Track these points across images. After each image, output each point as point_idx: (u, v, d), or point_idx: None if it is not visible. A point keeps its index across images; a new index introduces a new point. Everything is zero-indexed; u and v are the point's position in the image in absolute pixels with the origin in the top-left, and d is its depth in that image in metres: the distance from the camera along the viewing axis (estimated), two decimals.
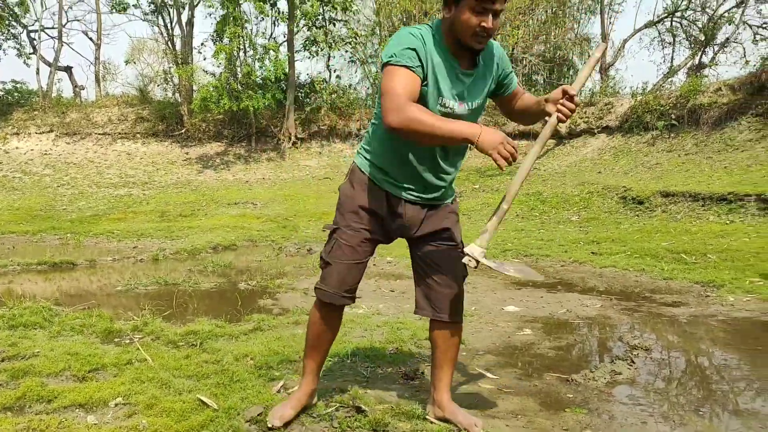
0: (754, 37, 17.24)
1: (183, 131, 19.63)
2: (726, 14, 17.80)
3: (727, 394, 2.70)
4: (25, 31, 22.61)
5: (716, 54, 18.57)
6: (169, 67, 21.07)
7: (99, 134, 19.88)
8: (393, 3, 20.43)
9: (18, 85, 22.20)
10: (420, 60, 1.99)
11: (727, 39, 18.12)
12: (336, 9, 19.17)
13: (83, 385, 2.53)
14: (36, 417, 2.19)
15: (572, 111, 2.08)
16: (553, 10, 19.15)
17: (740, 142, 12.61)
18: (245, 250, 8.56)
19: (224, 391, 2.45)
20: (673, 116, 14.57)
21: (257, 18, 19.61)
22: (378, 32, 21.92)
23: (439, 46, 2.05)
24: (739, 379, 2.90)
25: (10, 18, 21.43)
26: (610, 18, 20.80)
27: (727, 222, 8.35)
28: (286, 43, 19.49)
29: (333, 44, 19.63)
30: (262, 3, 18.09)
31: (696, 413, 2.45)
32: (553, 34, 19.61)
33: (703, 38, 18.33)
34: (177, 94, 20.67)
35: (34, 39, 22.77)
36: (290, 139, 19.15)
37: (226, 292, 5.35)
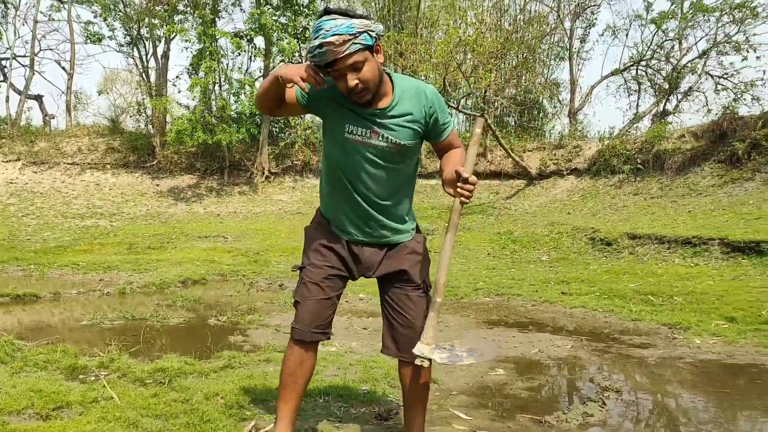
0: (716, 87, 17.97)
1: (155, 163, 19.46)
2: (689, 64, 18.55)
3: None
4: None
5: (680, 102, 19.27)
6: (143, 99, 20.98)
7: (68, 164, 19.57)
8: None
9: None
10: (322, 89, 2.15)
11: (690, 88, 18.84)
12: None
13: (47, 424, 2.45)
14: None
15: (471, 192, 2.13)
16: (524, 55, 19.72)
17: (703, 187, 13.02)
18: (215, 285, 8.44)
19: (195, 431, 2.40)
20: (638, 160, 15.00)
21: (233, 53, 19.79)
22: None
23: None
24: (707, 422, 2.95)
25: None
26: (578, 64, 21.52)
27: (692, 265, 8.55)
28: (261, 78, 19.64)
29: None
30: (238, 39, 18.26)
31: None
32: (524, 78, 20.16)
33: (667, 87, 19.03)
34: (150, 126, 20.55)
35: (5, 67, 22.53)
36: (263, 173, 19.12)
37: (196, 327, 5.26)
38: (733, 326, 5.06)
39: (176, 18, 18.90)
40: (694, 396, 3.36)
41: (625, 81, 20.87)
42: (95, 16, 19.63)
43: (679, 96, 19.07)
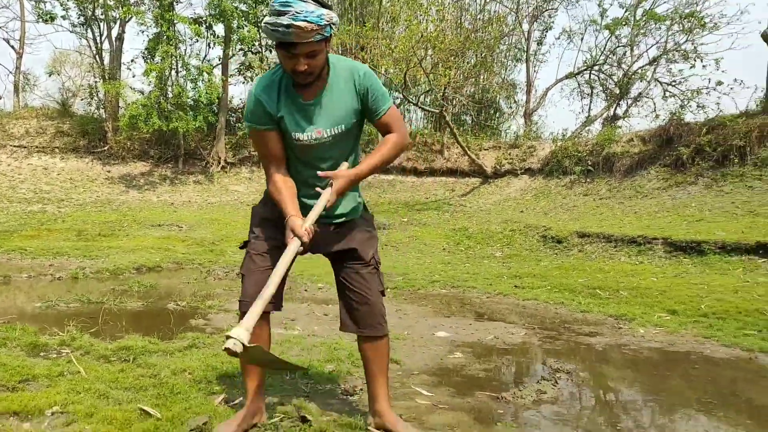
0: (664, 94, 18.71)
1: (106, 148, 18.96)
2: (639, 71, 19.26)
3: (638, 411, 2.94)
4: None
5: (629, 107, 19.99)
6: (95, 82, 20.39)
7: (14, 146, 18.87)
8: None
9: None
10: (265, 111, 2.24)
11: (640, 94, 19.57)
12: None
13: (15, 395, 2.46)
14: None
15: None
16: (483, 54, 20.07)
17: (649, 189, 13.58)
18: (171, 273, 8.36)
19: (166, 402, 2.45)
20: (589, 162, 15.50)
21: (192, 39, 19.43)
22: None
23: (285, 82, 2.26)
24: (648, 399, 3.16)
25: None
26: (534, 66, 22.04)
27: (637, 263, 8.95)
28: (220, 66, 19.38)
29: (268, 70, 19.68)
30: (197, 25, 17.97)
31: (613, 427, 2.66)
32: (482, 77, 20.52)
33: (618, 92, 19.70)
34: (102, 110, 20.00)
35: None
36: (219, 163, 18.89)
37: (155, 311, 5.24)
38: (674, 318, 5.36)
39: (132, 0, 18.46)
40: (637, 377, 3.58)
41: (579, 85, 21.51)
42: None
43: (629, 101, 19.79)
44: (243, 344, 1.89)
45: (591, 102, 21.41)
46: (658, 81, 18.83)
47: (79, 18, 19.16)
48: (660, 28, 18.43)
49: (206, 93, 17.85)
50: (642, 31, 18.82)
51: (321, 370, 3.23)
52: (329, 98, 2.27)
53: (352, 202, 2.44)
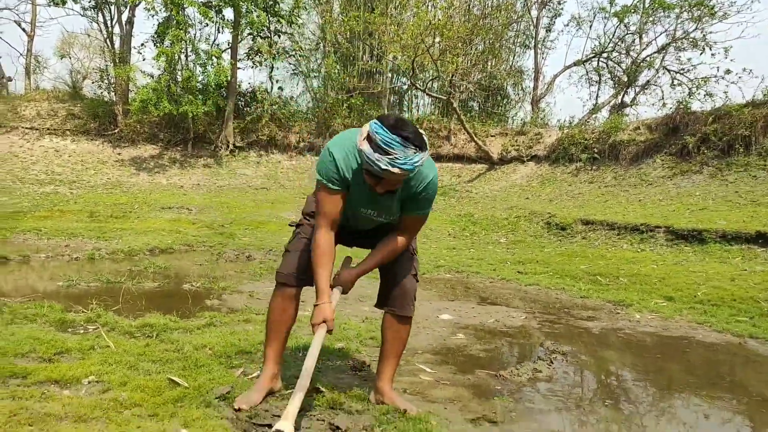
0: (672, 82, 18.74)
1: (116, 131, 19.18)
2: (648, 58, 19.27)
3: (628, 390, 3.15)
4: None
5: (637, 95, 20.03)
6: (106, 65, 20.56)
7: (26, 128, 19.11)
8: (337, 20, 20.88)
9: None
10: (340, 177, 2.37)
11: (648, 82, 19.59)
12: (282, 22, 19.39)
13: (53, 365, 2.68)
14: (18, 388, 2.35)
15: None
16: (491, 41, 20.10)
17: (654, 178, 13.70)
18: (183, 255, 8.59)
19: (191, 373, 2.67)
20: (595, 150, 15.61)
21: (201, 23, 19.55)
22: (322, 48, 22.26)
23: (360, 163, 2.35)
24: (638, 379, 3.37)
25: None
26: (542, 53, 22.05)
27: (639, 250, 9.12)
28: (229, 51, 19.50)
29: (277, 56, 19.79)
30: (207, 9, 18.07)
31: (602, 403, 2.87)
32: (489, 64, 20.56)
33: (626, 79, 19.73)
34: (112, 93, 20.19)
35: None
36: (228, 146, 19.09)
37: (172, 291, 5.47)
38: (670, 304, 5.56)
39: None
40: (630, 359, 3.79)
41: (587, 72, 21.52)
42: None
43: (637, 89, 19.82)
44: None
45: (599, 89, 21.52)
46: (667, 69, 18.85)
47: (90, 1, 19.29)
48: (669, 15, 18.41)
49: (215, 77, 17.99)
50: (651, 18, 18.80)
51: (331, 348, 3.44)
52: (396, 197, 2.43)
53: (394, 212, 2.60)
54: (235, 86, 19.45)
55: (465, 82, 18.56)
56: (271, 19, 19.03)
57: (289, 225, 2.74)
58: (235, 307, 4.72)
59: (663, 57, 18.89)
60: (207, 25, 19.40)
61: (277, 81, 21.17)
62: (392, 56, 18.17)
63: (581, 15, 22.01)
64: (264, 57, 19.61)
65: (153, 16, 18.30)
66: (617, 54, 20.30)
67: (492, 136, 18.55)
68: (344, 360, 3.27)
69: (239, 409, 2.37)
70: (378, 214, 2.49)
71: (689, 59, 18.40)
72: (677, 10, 18.08)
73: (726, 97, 15.71)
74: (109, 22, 19.59)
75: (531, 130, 18.20)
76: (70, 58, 26.06)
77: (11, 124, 19.05)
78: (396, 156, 2.13)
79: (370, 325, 4.16)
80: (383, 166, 2.14)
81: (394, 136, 2.14)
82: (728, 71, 16.50)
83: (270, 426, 2.26)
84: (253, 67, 20.14)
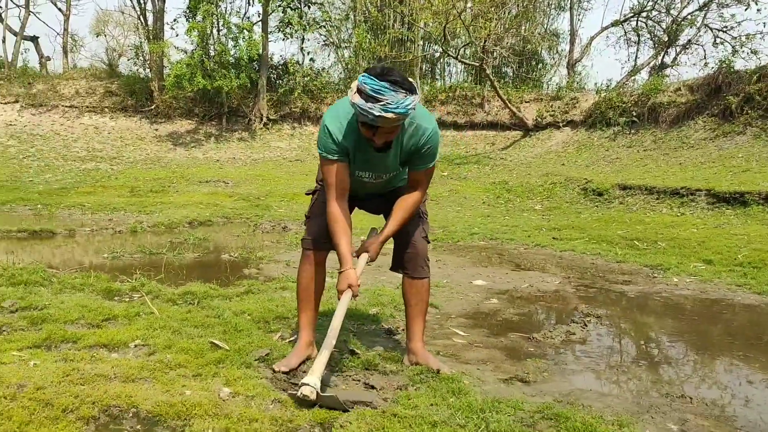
0: (714, 40, 18.05)
1: (153, 107, 19.51)
2: (689, 17, 18.56)
3: (664, 351, 3.15)
4: None
5: (678, 55, 19.37)
6: (141, 42, 20.84)
7: (66, 107, 19.59)
8: None
9: None
10: (338, 146, 2.43)
11: (689, 41, 18.91)
12: None
13: (101, 331, 2.82)
14: (69, 352, 2.48)
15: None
16: (524, 4, 19.62)
17: (695, 140, 13.32)
18: (221, 227, 8.78)
19: (231, 337, 2.77)
20: (634, 113, 15.22)
21: None
22: (352, 17, 22.09)
23: (356, 127, 2.40)
24: (675, 341, 3.35)
25: None
26: (578, 15, 21.43)
27: (678, 214, 8.94)
28: (260, 24, 19.51)
29: (307, 27, 19.72)
30: None
31: (637, 364, 2.88)
32: (523, 28, 20.10)
33: (666, 39, 19.07)
34: (147, 70, 20.48)
35: (0, 7, 22.21)
36: (262, 119, 19.23)
37: (211, 262, 5.63)
38: (709, 268, 5.46)
39: None
40: (664, 322, 3.77)
41: (625, 32, 20.87)
42: None
43: (678, 49, 19.16)
44: (317, 392, 2.11)
45: (638, 50, 20.90)
46: (709, 27, 18.14)
47: None
48: None
49: (247, 50, 18.06)
50: None
51: (366, 313, 3.52)
52: (394, 151, 2.48)
53: (403, 177, 2.68)
54: (267, 59, 19.50)
55: (498, 47, 18.21)
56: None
57: (306, 194, 2.81)
58: (271, 275, 4.83)
59: (705, 14, 18.17)
60: None
61: (308, 53, 21.16)
62: (423, 23, 17.91)
63: None
64: (295, 28, 19.57)
65: None
66: (657, 13, 19.60)
67: (526, 102, 18.24)
68: (378, 324, 3.34)
69: (279, 371, 2.46)
70: (377, 176, 2.57)
71: (733, 15, 17.64)
72: None
73: None
74: None
75: (567, 94, 17.81)
76: (105, 36, 26.50)
77: (52, 102, 19.55)
78: (387, 101, 2.18)
79: None
80: (377, 113, 2.19)
81: (383, 83, 2.19)
82: None
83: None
84: (284, 39, 20.14)
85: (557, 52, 22.01)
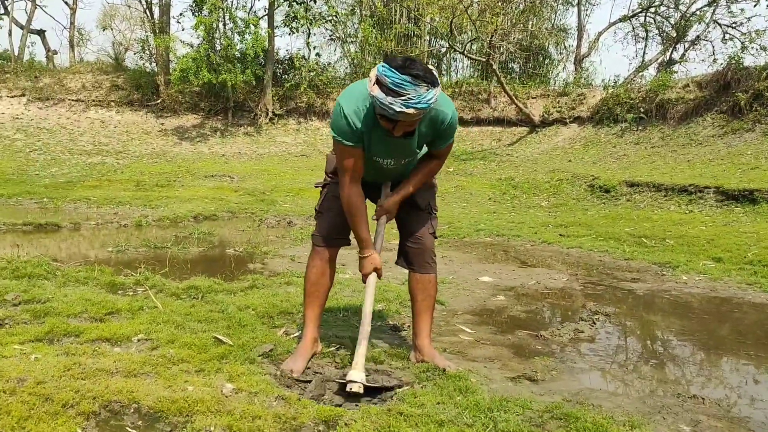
0: (723, 36, 17.89)
1: (159, 101, 19.50)
2: (698, 12, 18.40)
3: (673, 350, 3.10)
4: None
5: (686, 51, 19.21)
6: (147, 36, 20.81)
7: (72, 100, 19.60)
8: None
9: None
10: (354, 132, 2.34)
11: (698, 37, 18.76)
12: None
13: (104, 324, 2.79)
14: (71, 346, 2.45)
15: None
16: None
17: (704, 137, 13.21)
18: (226, 221, 8.76)
19: (235, 332, 2.74)
20: (642, 110, 15.11)
21: None
22: (358, 12, 22.00)
23: (373, 111, 2.30)
24: (684, 340, 3.30)
25: None
26: (586, 10, 21.29)
27: (687, 212, 8.87)
28: (266, 18, 19.46)
29: (313, 21, 19.66)
30: None
31: (645, 363, 2.83)
32: (530, 23, 19.98)
33: (674, 35, 18.91)
34: (154, 64, 20.47)
35: (6, 0, 22.23)
36: (267, 114, 19.20)
37: (216, 256, 5.60)
38: (719, 266, 5.40)
39: None
40: (673, 320, 3.71)
41: (633, 28, 20.72)
42: None
43: (686, 45, 19.00)
44: (364, 386, 2.18)
45: (646, 46, 20.73)
46: (718, 23, 17.98)
47: None
48: None
49: (253, 45, 18.00)
50: None
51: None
52: (413, 137, 2.40)
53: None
54: (273, 54, 19.45)
55: (505, 42, 18.11)
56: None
57: (315, 186, 2.75)
58: (276, 270, 4.80)
59: (714, 10, 18.01)
60: None
61: (314, 47, 21.09)
62: (429, 18, 17.81)
63: None
64: (301, 23, 19.50)
65: None
66: (665, 8, 19.44)
67: (533, 98, 18.14)
68: (384, 320, 3.30)
69: (287, 374, 2.40)
70: (396, 162, 2.50)
71: (742, 10, 17.54)
72: None
73: None
74: None
75: (574, 90, 17.71)
76: (111, 30, 26.48)
77: (58, 96, 19.56)
78: (409, 96, 2.08)
79: None
80: (398, 109, 2.10)
81: (405, 77, 2.09)
82: None
83: (309, 381, 2.31)
84: (290, 33, 20.08)
85: (564, 47, 21.89)
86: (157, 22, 19.86)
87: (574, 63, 20.76)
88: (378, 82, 2.13)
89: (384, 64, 2.15)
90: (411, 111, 2.10)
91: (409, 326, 3.19)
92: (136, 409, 1.95)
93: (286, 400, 2.07)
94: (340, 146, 2.37)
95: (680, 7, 18.89)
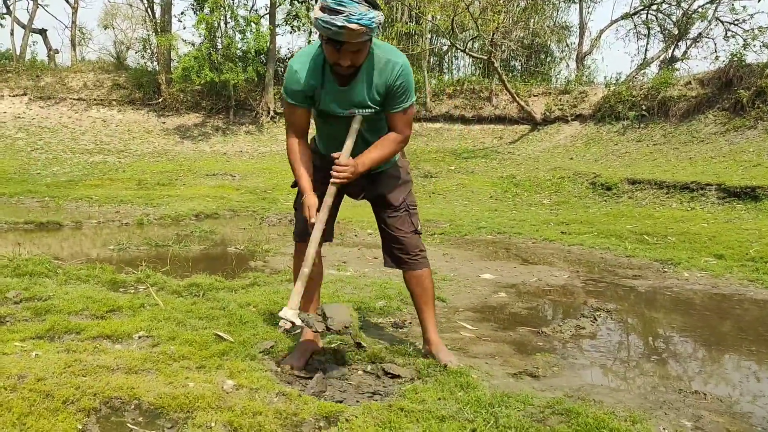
0: (726, 33, 17.84)
1: (160, 100, 19.51)
2: (700, 9, 18.35)
3: (675, 346, 3.09)
4: None
5: (688, 48, 19.17)
6: (148, 35, 20.84)
7: (74, 99, 19.63)
8: None
9: None
10: (304, 92, 2.39)
11: (700, 34, 18.71)
12: None
13: (105, 322, 2.79)
14: (72, 343, 2.45)
15: (342, 173, 2.37)
16: None
17: (705, 134, 13.19)
18: (227, 219, 8.77)
19: (236, 329, 2.74)
20: (643, 107, 15.09)
21: None
22: None
23: (327, 68, 2.34)
24: (686, 336, 3.29)
25: None
26: (588, 7, 21.24)
27: (689, 209, 8.85)
28: (267, 16, 19.46)
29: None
30: None
31: (647, 359, 2.82)
32: (532, 21, 19.95)
33: (676, 32, 18.87)
34: (155, 63, 20.48)
35: None
36: (269, 113, 19.20)
37: (217, 254, 5.60)
38: (721, 262, 5.38)
39: None
40: (674, 316, 3.70)
41: (635, 26, 20.69)
42: None
43: (688, 42, 18.96)
44: (292, 322, 2.22)
45: (647, 44, 20.83)
46: (720, 20, 17.93)
47: None
48: None
49: (255, 43, 18.00)
50: None
51: (372, 306, 3.47)
52: (362, 85, 2.38)
53: (379, 127, 2.58)
54: (275, 52, 19.45)
55: (506, 40, 18.08)
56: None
57: (291, 186, 2.71)
58: (277, 268, 4.80)
59: (716, 7, 17.96)
60: None
61: None
62: (431, 16, 17.78)
63: None
64: (302, 21, 19.50)
65: None
66: (667, 5, 19.39)
67: (535, 95, 18.12)
68: (385, 317, 3.30)
69: (286, 370, 2.41)
70: (350, 111, 2.44)
71: (744, 7, 17.49)
72: None
73: None
74: None
75: (575, 88, 17.68)
76: (113, 28, 26.50)
77: (60, 95, 19.59)
78: (350, 12, 2.12)
79: None
80: (339, 23, 2.12)
81: None
82: None
83: (310, 378, 2.31)
84: (291, 32, 20.18)
85: (566, 45, 21.86)
86: (158, 20, 19.87)
87: (576, 61, 20.72)
88: (321, 8, 2.18)
89: None
90: (353, 26, 2.12)
91: (410, 323, 3.19)
92: (137, 406, 1.95)
93: (286, 396, 2.07)
94: (290, 107, 2.48)
95: (682, 4, 18.85)
